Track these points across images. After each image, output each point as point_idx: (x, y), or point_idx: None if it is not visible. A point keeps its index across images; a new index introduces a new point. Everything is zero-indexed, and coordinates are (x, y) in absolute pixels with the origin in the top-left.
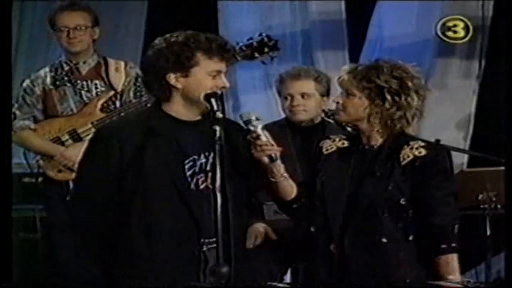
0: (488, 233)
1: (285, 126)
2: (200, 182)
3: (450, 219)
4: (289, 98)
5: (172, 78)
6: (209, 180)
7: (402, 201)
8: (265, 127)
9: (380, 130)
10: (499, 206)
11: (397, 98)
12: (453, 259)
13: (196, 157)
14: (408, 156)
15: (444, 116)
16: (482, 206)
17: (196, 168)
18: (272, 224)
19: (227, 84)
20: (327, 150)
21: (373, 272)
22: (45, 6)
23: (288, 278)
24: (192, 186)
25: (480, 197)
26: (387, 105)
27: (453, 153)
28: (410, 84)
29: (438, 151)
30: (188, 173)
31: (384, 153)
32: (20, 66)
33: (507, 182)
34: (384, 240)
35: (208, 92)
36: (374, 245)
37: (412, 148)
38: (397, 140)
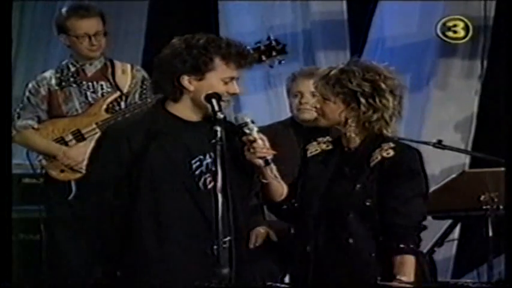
0: (491, 233)
1: (289, 126)
2: (208, 181)
3: (413, 220)
4: (298, 95)
5: (185, 80)
6: None
7: (367, 203)
8: (270, 126)
9: (358, 132)
10: (501, 207)
11: (371, 101)
12: (409, 260)
13: (202, 157)
14: (377, 158)
15: (446, 116)
16: (484, 207)
17: (203, 168)
18: (273, 225)
19: (238, 91)
20: (311, 152)
21: (343, 273)
22: (46, 7)
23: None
24: (201, 185)
25: (482, 197)
26: (363, 108)
27: (455, 154)
28: (383, 85)
29: (406, 152)
30: (196, 173)
31: (358, 155)
32: (20, 67)
33: (507, 183)
34: (351, 240)
35: (209, 92)
36: (342, 246)
37: (382, 149)
38: (373, 141)
